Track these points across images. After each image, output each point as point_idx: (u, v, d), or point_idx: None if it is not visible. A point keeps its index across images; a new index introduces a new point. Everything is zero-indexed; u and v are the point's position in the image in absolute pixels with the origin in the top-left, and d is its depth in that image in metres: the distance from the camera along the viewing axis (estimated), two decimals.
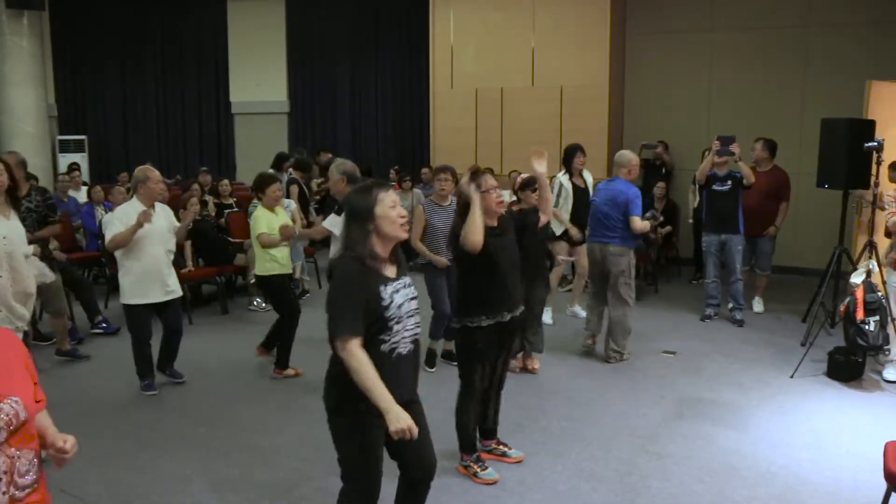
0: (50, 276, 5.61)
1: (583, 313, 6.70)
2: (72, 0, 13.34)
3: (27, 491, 1.82)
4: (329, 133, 12.58)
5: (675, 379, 5.40)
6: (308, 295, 7.95)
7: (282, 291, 5.61)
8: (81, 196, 9.40)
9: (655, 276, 8.40)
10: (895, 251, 5.35)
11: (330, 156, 9.79)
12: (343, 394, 2.58)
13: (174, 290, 5.20)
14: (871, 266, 5.36)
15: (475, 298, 3.75)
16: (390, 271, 2.68)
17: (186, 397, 5.16)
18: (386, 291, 2.57)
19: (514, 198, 5.27)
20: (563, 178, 6.73)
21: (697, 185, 7.12)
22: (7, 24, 11.73)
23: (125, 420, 4.74)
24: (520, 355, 5.53)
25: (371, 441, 2.61)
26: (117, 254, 5.05)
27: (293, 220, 6.37)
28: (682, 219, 8.88)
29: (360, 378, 2.47)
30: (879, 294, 5.17)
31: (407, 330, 2.64)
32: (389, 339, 2.58)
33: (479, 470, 3.87)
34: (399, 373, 2.62)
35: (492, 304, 3.76)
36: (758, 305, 7.32)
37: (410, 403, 2.68)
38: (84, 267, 8.30)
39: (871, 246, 5.60)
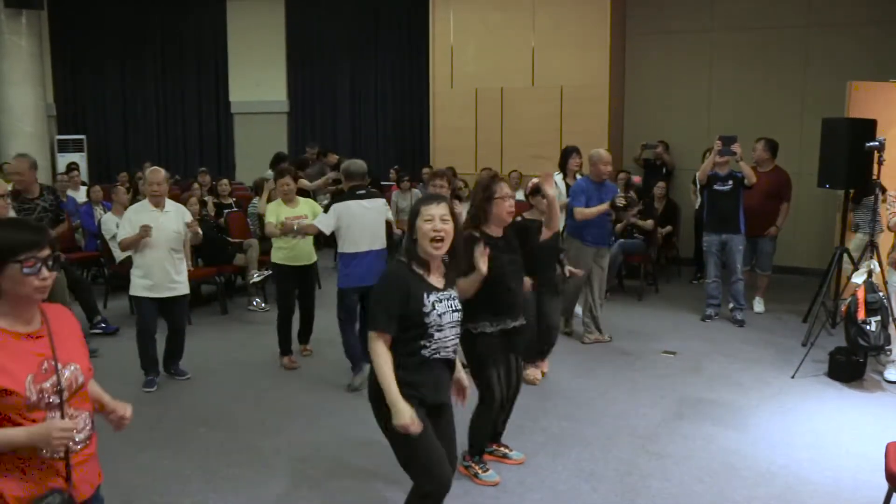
0: None
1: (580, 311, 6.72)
2: None
3: (81, 445, 2.09)
4: (329, 133, 12.57)
5: (675, 379, 5.40)
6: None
7: (282, 281, 5.79)
8: (80, 196, 9.39)
9: (655, 276, 8.39)
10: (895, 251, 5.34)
11: (337, 157, 9.80)
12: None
13: (178, 287, 5.25)
14: (872, 266, 5.35)
15: (479, 305, 3.74)
16: (437, 281, 2.76)
17: (186, 397, 5.15)
18: (428, 299, 2.66)
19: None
20: (557, 177, 6.76)
21: (698, 185, 7.11)
22: (6, 23, 11.72)
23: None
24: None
25: (427, 430, 2.65)
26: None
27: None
28: (682, 219, 8.88)
29: (377, 372, 2.62)
30: (881, 294, 5.17)
31: (449, 339, 2.74)
32: (430, 346, 2.69)
33: (480, 471, 3.87)
34: (440, 376, 2.77)
35: (495, 311, 3.75)
36: (758, 305, 7.31)
37: (443, 407, 2.82)
38: (83, 267, 8.30)
39: (872, 246, 5.59)
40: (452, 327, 2.75)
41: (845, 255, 6.08)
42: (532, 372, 5.27)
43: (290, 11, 12.67)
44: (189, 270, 7.07)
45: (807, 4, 8.85)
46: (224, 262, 7.64)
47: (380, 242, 5.19)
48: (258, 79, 12.98)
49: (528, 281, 4.51)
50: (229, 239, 7.98)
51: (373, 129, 12.45)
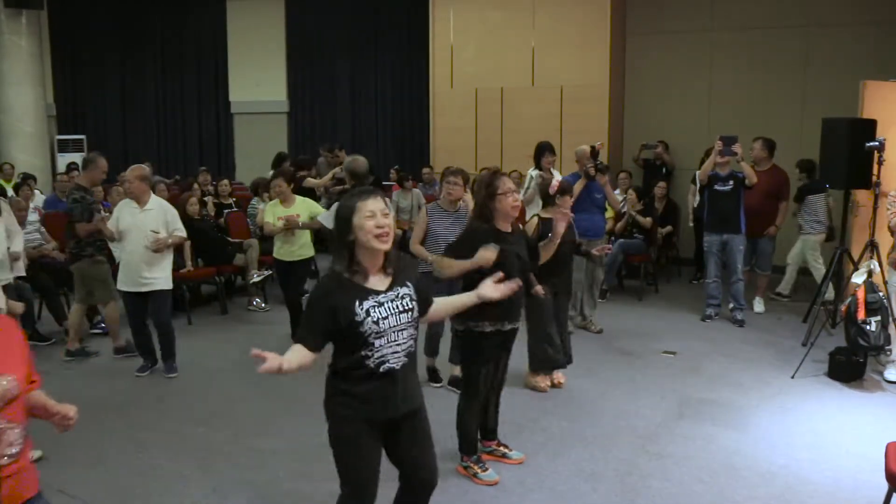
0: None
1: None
2: None
3: (10, 460, 2.05)
4: (329, 133, 12.55)
5: (675, 379, 5.40)
6: (308, 295, 7.94)
7: (281, 275, 6.32)
8: None
9: (655, 276, 8.39)
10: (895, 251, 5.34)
11: (345, 155, 9.82)
12: (329, 401, 2.64)
13: (151, 283, 5.37)
14: (872, 266, 5.35)
15: (480, 304, 3.73)
16: (379, 283, 2.58)
17: (186, 397, 5.15)
18: (361, 307, 2.49)
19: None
20: (533, 172, 7.03)
21: (698, 185, 7.12)
22: (6, 23, 11.73)
23: (125, 420, 4.73)
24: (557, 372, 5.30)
25: (357, 447, 2.61)
26: None
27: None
28: (682, 219, 8.88)
29: (291, 365, 2.43)
30: (881, 294, 5.17)
31: (397, 344, 2.56)
32: (373, 354, 2.52)
33: (479, 471, 3.86)
34: (388, 387, 2.58)
35: (496, 311, 3.73)
36: (758, 305, 7.31)
37: (411, 415, 2.69)
38: None
39: (872, 246, 5.59)
40: (400, 331, 2.56)
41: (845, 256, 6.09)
42: (542, 380, 5.18)
43: (290, 11, 12.66)
44: (189, 270, 7.15)
45: (807, 4, 8.85)
46: (224, 262, 7.64)
47: None
48: (258, 79, 12.97)
49: (539, 289, 4.52)
50: (229, 239, 7.98)
51: (373, 129, 12.44)
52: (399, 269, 2.65)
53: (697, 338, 6.43)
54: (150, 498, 3.73)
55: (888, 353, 5.27)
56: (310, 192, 8.37)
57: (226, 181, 9.14)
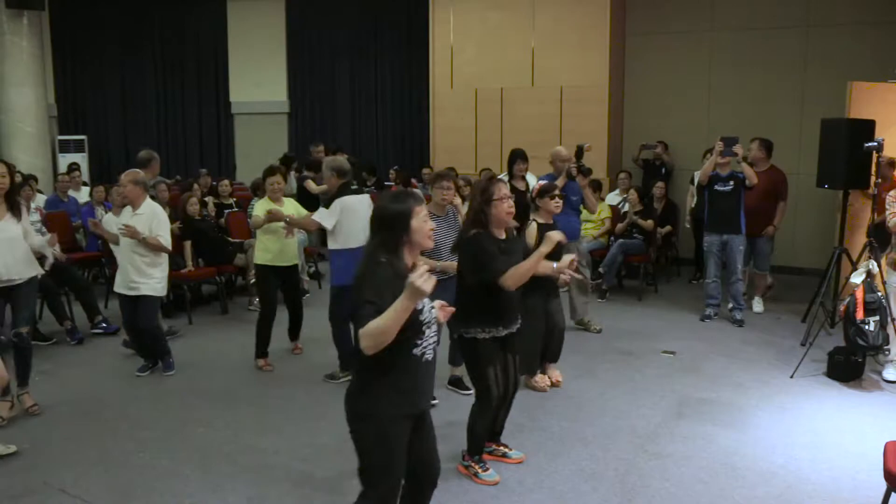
0: None
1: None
2: (71, 0, 13.34)
3: None
4: (329, 133, 12.56)
5: (675, 379, 5.40)
6: (308, 295, 7.94)
7: (263, 282, 5.83)
8: (82, 196, 9.40)
9: (655, 276, 8.39)
10: (895, 251, 5.35)
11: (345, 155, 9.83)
12: (371, 399, 2.64)
13: (136, 287, 5.40)
14: (871, 266, 5.36)
15: (475, 310, 3.73)
16: None
17: (186, 397, 5.16)
18: None
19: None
20: (503, 178, 6.96)
21: (698, 186, 7.12)
22: (7, 23, 11.72)
23: (125, 420, 4.73)
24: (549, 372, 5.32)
25: (399, 446, 2.66)
26: None
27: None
28: (681, 219, 8.88)
29: (380, 322, 2.40)
30: (879, 294, 5.17)
31: (431, 337, 2.72)
32: (421, 344, 2.66)
33: (480, 471, 3.87)
34: (427, 378, 2.75)
35: (491, 318, 3.75)
36: (757, 305, 7.32)
37: (425, 413, 2.80)
38: (84, 267, 8.29)
39: (872, 246, 5.59)
40: (430, 325, 2.72)
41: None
42: (541, 378, 5.21)
43: (290, 11, 12.68)
44: (189, 270, 7.16)
45: (807, 4, 8.85)
46: (224, 262, 7.65)
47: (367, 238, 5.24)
48: (258, 79, 12.98)
49: (565, 262, 4.47)
50: (229, 239, 7.99)
51: (373, 129, 12.46)
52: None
53: (697, 338, 6.44)
54: (150, 497, 3.74)
55: (886, 352, 5.28)
56: (313, 198, 8.37)
57: (226, 181, 9.15)
